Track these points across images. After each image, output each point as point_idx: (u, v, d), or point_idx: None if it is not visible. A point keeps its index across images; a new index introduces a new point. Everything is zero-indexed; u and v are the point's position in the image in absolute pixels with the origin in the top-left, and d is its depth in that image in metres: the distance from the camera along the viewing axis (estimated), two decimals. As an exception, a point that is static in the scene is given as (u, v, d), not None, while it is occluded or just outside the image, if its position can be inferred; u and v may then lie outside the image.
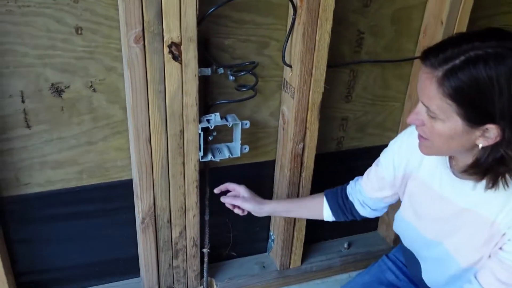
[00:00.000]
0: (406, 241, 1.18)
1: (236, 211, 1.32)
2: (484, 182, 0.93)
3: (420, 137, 0.96)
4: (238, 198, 1.30)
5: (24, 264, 1.41)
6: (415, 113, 0.93)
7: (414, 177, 1.11)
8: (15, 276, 1.41)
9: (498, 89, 0.81)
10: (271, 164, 1.53)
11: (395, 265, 1.33)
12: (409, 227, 1.14)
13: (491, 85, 0.81)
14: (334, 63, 1.40)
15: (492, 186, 0.91)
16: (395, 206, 1.21)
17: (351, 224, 1.55)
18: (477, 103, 0.84)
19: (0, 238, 1.30)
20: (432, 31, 1.43)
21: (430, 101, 0.87)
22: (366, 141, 1.62)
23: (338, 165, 1.61)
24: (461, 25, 1.40)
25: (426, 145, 0.95)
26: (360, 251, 1.75)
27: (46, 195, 1.31)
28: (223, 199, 1.32)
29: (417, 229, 1.11)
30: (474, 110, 0.85)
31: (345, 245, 1.75)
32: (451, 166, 1.01)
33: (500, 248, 0.93)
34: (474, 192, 0.96)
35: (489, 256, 0.96)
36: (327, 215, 1.31)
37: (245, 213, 1.32)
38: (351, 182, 1.31)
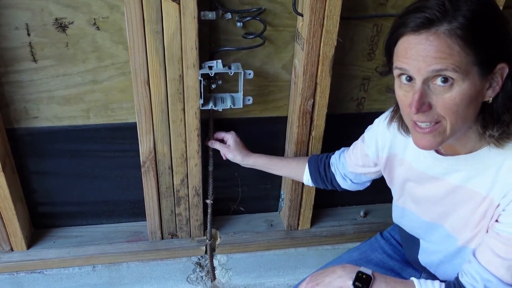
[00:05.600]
0: (409, 229, 1.12)
1: (223, 156, 1.38)
2: (465, 156, 0.89)
3: (426, 128, 0.83)
4: (225, 146, 1.30)
5: (39, 195, 1.48)
6: (419, 98, 0.79)
7: (401, 161, 1.05)
8: (32, 206, 1.49)
9: (501, 14, 0.80)
10: (283, 120, 1.47)
11: (388, 243, 1.28)
12: (407, 213, 1.09)
13: (496, 11, 0.80)
14: (355, 15, 1.30)
15: (502, 138, 0.85)
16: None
17: (371, 193, 1.48)
18: (491, 37, 0.77)
19: (11, 166, 1.36)
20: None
21: (446, 61, 0.76)
22: (390, 104, 1.49)
23: (357, 127, 1.50)
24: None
25: (438, 132, 0.83)
26: (377, 221, 1.66)
27: (54, 130, 1.35)
28: (210, 144, 1.33)
29: (417, 214, 1.06)
30: (490, 48, 0.78)
31: (361, 213, 1.67)
32: None
33: (496, 221, 0.88)
34: (461, 167, 0.91)
35: (487, 232, 0.90)
36: (307, 180, 1.32)
37: (225, 158, 1.39)
38: (336, 152, 1.27)
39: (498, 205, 0.87)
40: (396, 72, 0.84)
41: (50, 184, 1.45)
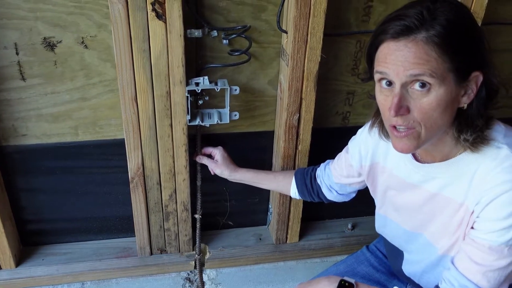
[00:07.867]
0: (390, 238, 1.15)
1: (211, 171, 1.40)
2: (441, 163, 0.92)
3: (402, 132, 0.86)
4: (212, 161, 1.32)
5: (28, 212, 1.48)
6: (398, 102, 0.83)
7: (383, 169, 1.07)
8: (21, 223, 1.49)
9: (476, 24, 0.84)
10: (270, 134, 1.49)
11: (374, 256, 1.30)
12: (388, 222, 1.11)
13: (472, 21, 0.83)
14: (338, 32, 1.33)
15: (477, 143, 0.88)
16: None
17: (358, 205, 1.50)
18: (466, 45, 0.81)
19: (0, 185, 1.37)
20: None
21: (424, 67, 0.80)
22: (375, 118, 1.53)
23: (343, 141, 1.52)
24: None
25: (413, 136, 0.86)
26: (364, 234, 1.68)
27: (43, 148, 1.36)
28: (198, 159, 1.34)
29: (398, 223, 1.08)
30: (465, 56, 0.81)
31: (349, 226, 1.68)
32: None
33: (472, 228, 0.90)
34: (438, 174, 0.94)
35: (464, 239, 0.93)
36: (294, 193, 1.34)
37: (213, 173, 1.41)
38: (322, 164, 1.30)
39: (473, 212, 0.89)
40: (376, 76, 0.87)
41: (39, 201, 1.46)
